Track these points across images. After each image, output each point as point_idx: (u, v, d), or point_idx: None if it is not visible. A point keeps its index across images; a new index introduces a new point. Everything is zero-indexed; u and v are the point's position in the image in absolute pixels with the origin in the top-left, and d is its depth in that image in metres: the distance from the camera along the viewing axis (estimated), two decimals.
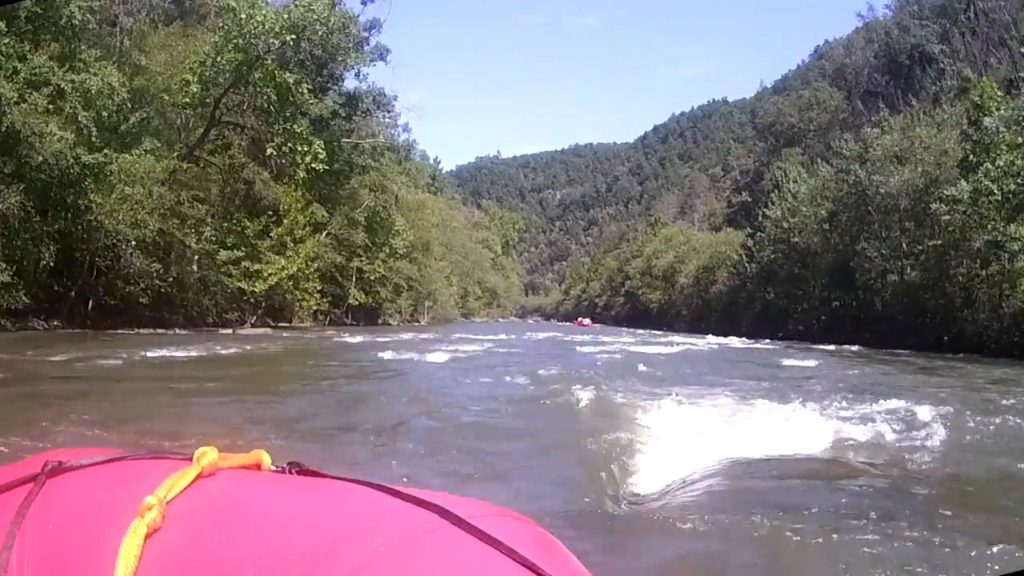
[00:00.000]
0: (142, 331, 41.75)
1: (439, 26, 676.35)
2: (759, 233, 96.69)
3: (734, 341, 61.58)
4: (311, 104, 56.51)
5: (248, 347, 33.29)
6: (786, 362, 33.46)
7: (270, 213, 59.36)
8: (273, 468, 1.67)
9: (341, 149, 69.96)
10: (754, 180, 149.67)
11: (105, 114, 40.89)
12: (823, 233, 77.75)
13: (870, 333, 60.89)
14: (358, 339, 45.19)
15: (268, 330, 53.58)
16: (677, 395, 14.84)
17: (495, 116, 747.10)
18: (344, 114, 69.35)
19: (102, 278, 43.52)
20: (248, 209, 60.28)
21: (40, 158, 35.67)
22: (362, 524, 1.29)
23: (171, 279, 47.06)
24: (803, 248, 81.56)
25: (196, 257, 52.01)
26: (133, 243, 41.45)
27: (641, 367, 24.57)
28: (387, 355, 29.46)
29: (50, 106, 36.62)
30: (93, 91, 38.71)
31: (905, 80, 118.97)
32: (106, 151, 39.99)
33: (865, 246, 66.81)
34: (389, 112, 78.04)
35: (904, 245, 64.01)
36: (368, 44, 68.48)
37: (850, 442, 10.90)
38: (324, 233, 70.82)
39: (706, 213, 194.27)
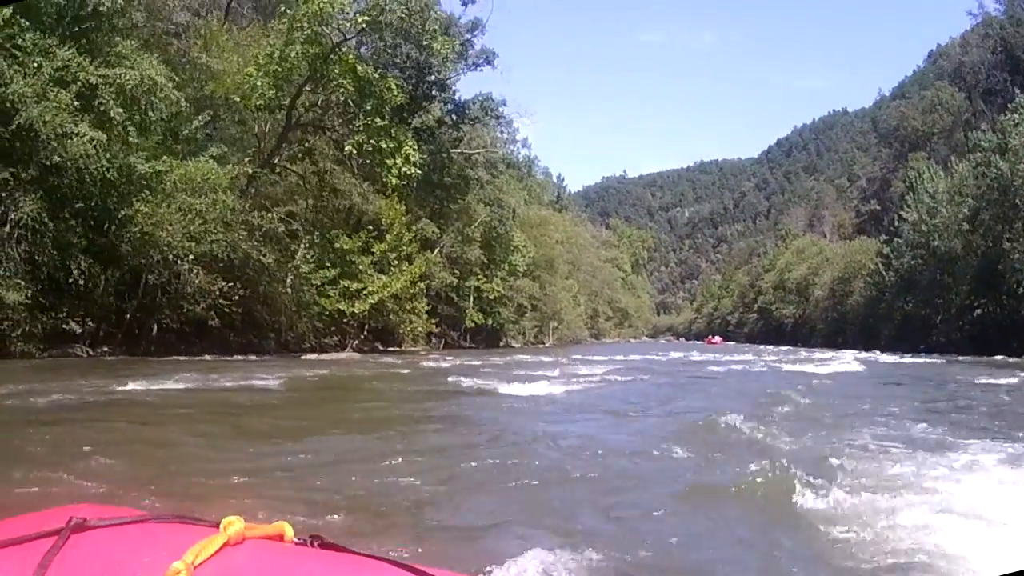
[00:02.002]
0: (209, 357, 37.30)
1: (559, 51, 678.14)
2: (896, 239, 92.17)
3: (880, 356, 58.06)
4: (408, 105, 53.37)
5: (311, 374, 29.22)
6: (980, 380, 29.12)
7: (370, 228, 55.34)
8: (296, 540, 1.72)
9: (452, 162, 66.97)
10: (881, 188, 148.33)
11: (153, 115, 36.39)
12: (963, 235, 73.08)
13: (1020, 342, 56.25)
14: (458, 362, 41.17)
15: (355, 355, 48.47)
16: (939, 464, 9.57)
17: (619, 136, 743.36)
18: (450, 122, 66.38)
19: (163, 298, 38.99)
20: (347, 224, 56.33)
21: (59, 159, 31.09)
22: None
23: (244, 298, 42.00)
24: (944, 252, 76.71)
25: (289, 277, 47.71)
26: (191, 258, 36.98)
27: (809, 401, 19.55)
28: (475, 383, 24.45)
29: (77, 103, 32.01)
30: (130, 86, 33.78)
31: None
32: (165, 158, 36.28)
33: (1011, 246, 62.18)
34: (498, 118, 74.68)
35: None
36: (472, 47, 65.99)
37: None
38: (435, 251, 67.29)
39: (835, 224, 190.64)
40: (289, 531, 1.71)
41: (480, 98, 69.09)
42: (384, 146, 47.48)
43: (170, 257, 36.36)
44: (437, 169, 64.00)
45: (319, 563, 1.54)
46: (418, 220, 63.10)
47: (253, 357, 39.93)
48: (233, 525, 1.59)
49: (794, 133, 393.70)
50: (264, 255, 42.73)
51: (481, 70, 66.87)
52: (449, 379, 26.46)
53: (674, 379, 30.88)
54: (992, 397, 22.85)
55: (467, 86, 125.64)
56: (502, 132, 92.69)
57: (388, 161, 48.48)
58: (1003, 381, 28.53)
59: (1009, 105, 69.60)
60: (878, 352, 64.90)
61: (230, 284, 39.39)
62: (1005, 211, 63.59)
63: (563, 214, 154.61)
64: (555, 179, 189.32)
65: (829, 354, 63.94)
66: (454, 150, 67.97)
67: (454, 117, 67.31)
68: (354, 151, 48.42)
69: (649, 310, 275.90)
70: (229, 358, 37.87)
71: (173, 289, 37.89)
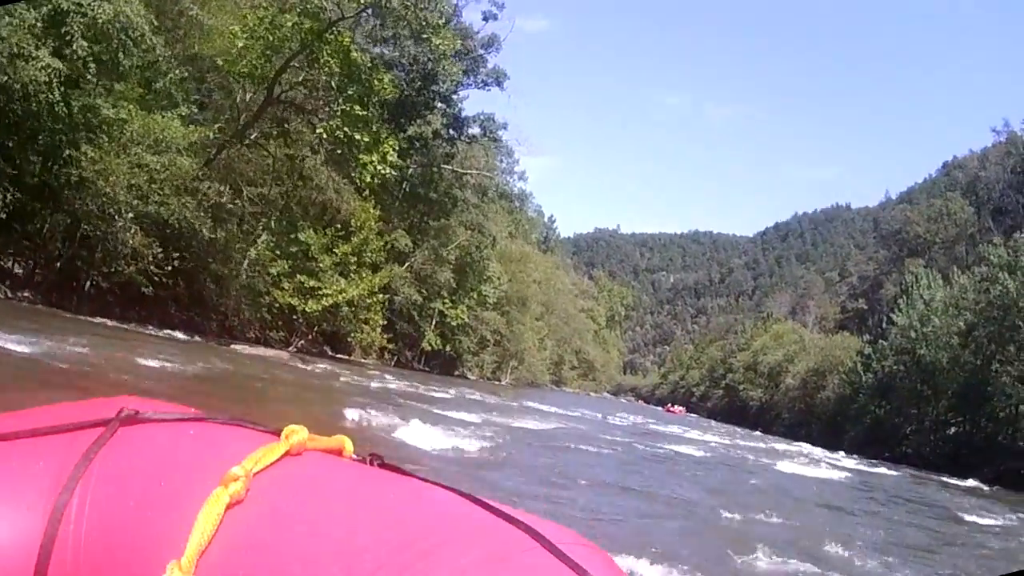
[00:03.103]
0: (138, 327, 34.39)
1: (576, 94, 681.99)
2: (881, 341, 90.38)
3: (844, 459, 55.09)
4: (406, 109, 50.60)
5: (224, 367, 26.18)
6: (968, 518, 25.99)
7: (338, 227, 52.19)
8: (355, 457, 1.64)
9: (442, 178, 65.52)
10: (872, 288, 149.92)
11: (125, 58, 32.81)
12: (953, 349, 70.52)
13: (996, 469, 53.61)
14: (395, 385, 37.47)
15: (285, 355, 43.32)
16: None
17: (619, 191, 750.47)
18: (447, 136, 63.82)
19: (99, 253, 35.45)
20: (318, 219, 53.14)
21: (6, 79, 27.93)
22: (451, 534, 1.29)
23: (187, 272, 39.70)
24: (929, 363, 74.06)
25: (245, 261, 45.02)
26: (131, 215, 33.88)
27: (798, 523, 16.89)
28: (384, 416, 20.22)
29: (41, 26, 29.14)
30: (102, 20, 30.44)
31: None
32: (129, 106, 33.23)
33: (1003, 368, 59.10)
34: (496, 141, 72.98)
35: None
36: (485, 64, 63.57)
37: None
38: (406, 265, 64.69)
39: (818, 316, 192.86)
40: (349, 446, 1.62)
41: (481, 117, 68.01)
42: (359, 138, 44.07)
43: (110, 211, 33.53)
44: (425, 182, 63.35)
45: (383, 484, 1.46)
46: (394, 230, 60.84)
47: (181, 336, 36.90)
48: (296, 434, 1.52)
49: (793, 219, 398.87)
50: (216, 231, 40.03)
51: (489, 89, 65.39)
52: (358, 405, 21.75)
53: (622, 456, 27.23)
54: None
55: (472, 107, 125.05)
56: (501, 161, 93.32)
57: (363, 157, 45.30)
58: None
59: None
60: (842, 453, 63.03)
61: (171, 254, 36.67)
62: (1003, 331, 61.30)
63: (547, 256, 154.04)
64: (546, 220, 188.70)
65: (793, 445, 62.56)
66: (445, 166, 66.47)
67: (451, 131, 65.59)
68: (324, 135, 45.01)
69: (616, 367, 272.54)
70: (157, 332, 35.23)
71: (110, 246, 34.75)
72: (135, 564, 1.33)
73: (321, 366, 39.66)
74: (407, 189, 64.26)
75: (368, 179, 46.76)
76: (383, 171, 46.53)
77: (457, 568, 1.15)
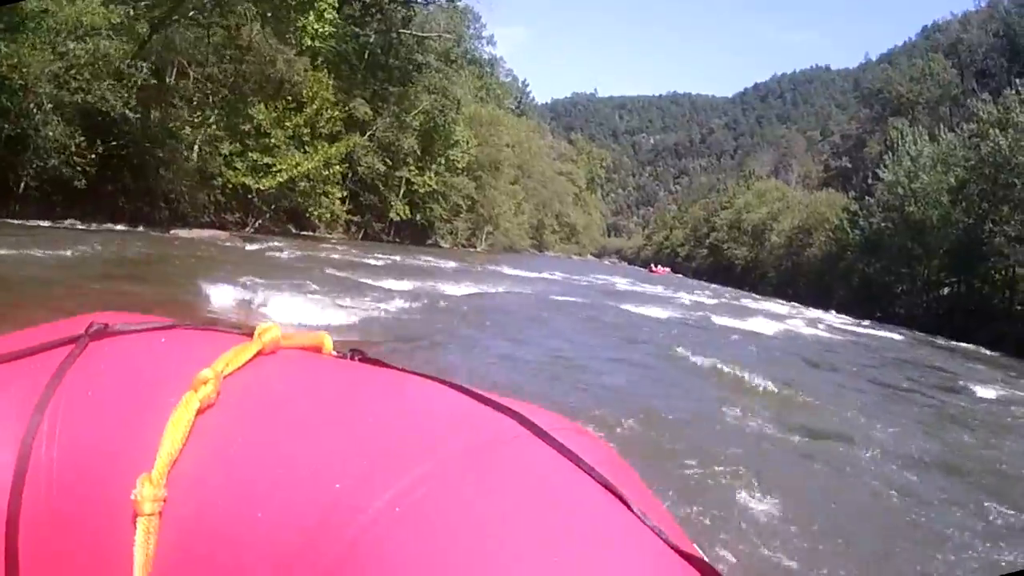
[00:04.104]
0: (79, 224, 32.49)
1: None
2: (867, 198, 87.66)
3: (835, 319, 53.94)
4: None
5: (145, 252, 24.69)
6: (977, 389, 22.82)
7: (288, 99, 50.66)
8: (335, 353, 1.63)
9: (402, 43, 64.62)
10: (855, 147, 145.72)
11: None
12: (943, 207, 68.18)
13: (991, 332, 51.01)
14: (339, 255, 35.88)
15: (223, 234, 41.19)
16: None
17: (595, 54, 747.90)
18: None
19: (29, 151, 32.41)
20: (271, 94, 50.42)
21: None
22: (435, 425, 1.29)
23: (125, 160, 37.03)
24: (918, 220, 71.49)
25: (196, 144, 43.20)
26: (50, 107, 31.30)
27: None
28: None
29: None
30: None
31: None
32: None
33: (998, 228, 56.28)
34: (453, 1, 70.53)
35: None
36: None
37: None
38: (368, 135, 62.76)
39: (801, 174, 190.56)
40: (328, 343, 1.60)
41: None
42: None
43: (31, 106, 31.05)
44: (385, 49, 62.31)
45: (363, 378, 1.46)
46: (352, 99, 58.97)
47: (121, 227, 35.11)
48: (268, 332, 1.50)
49: (772, 80, 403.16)
50: (149, 115, 38.40)
51: None
52: (239, 279, 18.33)
53: (573, 325, 23.02)
54: None
55: None
56: (468, 27, 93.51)
57: (299, 18, 42.86)
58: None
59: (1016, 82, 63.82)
60: (834, 313, 62.58)
61: (96, 142, 34.26)
62: (995, 189, 58.74)
63: (522, 119, 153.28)
64: (520, 84, 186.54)
65: (780, 305, 62.25)
66: (404, 30, 65.43)
67: None
68: None
69: (599, 230, 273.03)
70: (93, 227, 32.86)
71: (37, 143, 32.05)
72: (108, 480, 1.30)
73: (265, 244, 37.13)
74: (367, 58, 62.69)
75: (309, 41, 45.62)
76: (322, 29, 43.69)
77: (442, 457, 1.16)
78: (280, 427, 1.27)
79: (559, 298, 30.41)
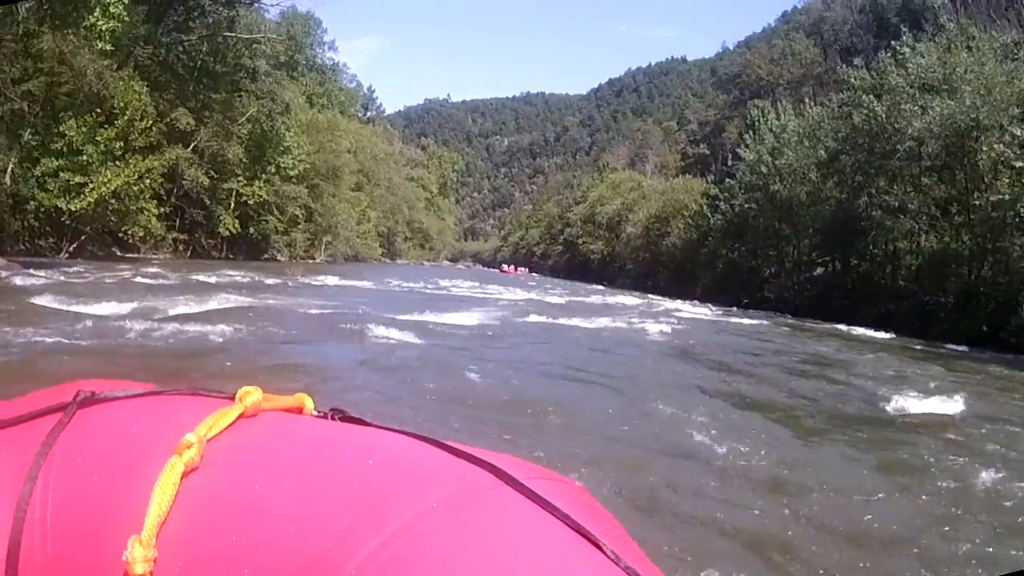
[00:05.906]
0: None
1: None
2: (728, 180, 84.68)
3: (693, 309, 49.39)
4: None
5: None
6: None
7: (98, 111, 47.25)
8: (315, 413, 1.68)
9: (228, 48, 61.84)
10: (713, 132, 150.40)
11: None
12: (812, 183, 65.05)
13: (875, 311, 47.50)
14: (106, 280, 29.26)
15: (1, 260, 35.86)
16: None
17: (447, 60, 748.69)
18: None
19: None
20: (88, 109, 47.33)
21: None
22: (412, 479, 1.32)
23: None
24: (784, 199, 68.49)
25: (10, 167, 42.08)
26: None
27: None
28: None
29: None
30: None
31: (892, 38, 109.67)
32: None
33: (876, 200, 52.49)
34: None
35: (931, 204, 50.42)
36: None
37: None
38: (191, 147, 60.20)
39: (658, 164, 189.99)
40: (309, 403, 1.67)
41: None
42: None
43: None
44: (211, 54, 60.59)
45: (341, 436, 1.51)
46: (175, 110, 56.91)
47: None
48: (250, 396, 1.55)
49: (627, 75, 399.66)
50: None
51: None
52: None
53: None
54: None
55: None
56: (310, 33, 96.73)
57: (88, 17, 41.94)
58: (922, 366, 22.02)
59: (896, 41, 60.35)
60: (697, 303, 59.00)
61: None
62: (872, 159, 54.69)
63: (367, 126, 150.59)
64: (366, 91, 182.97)
65: (634, 297, 59.97)
66: (229, 33, 62.38)
67: None
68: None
69: (454, 234, 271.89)
70: None
71: None
72: (101, 542, 1.32)
73: (48, 272, 30.96)
74: (193, 65, 60.59)
75: (101, 44, 43.97)
76: (110, 26, 42.87)
77: (419, 510, 1.19)
78: (263, 486, 1.31)
79: (342, 312, 24.72)
